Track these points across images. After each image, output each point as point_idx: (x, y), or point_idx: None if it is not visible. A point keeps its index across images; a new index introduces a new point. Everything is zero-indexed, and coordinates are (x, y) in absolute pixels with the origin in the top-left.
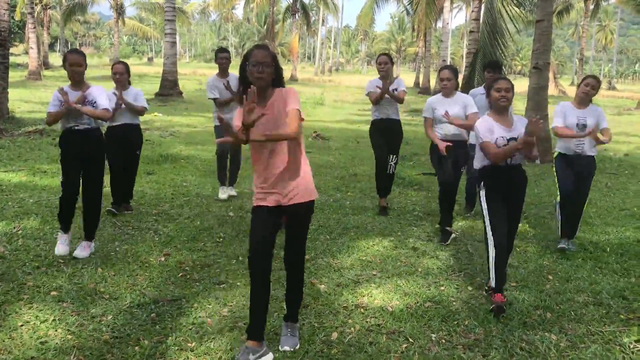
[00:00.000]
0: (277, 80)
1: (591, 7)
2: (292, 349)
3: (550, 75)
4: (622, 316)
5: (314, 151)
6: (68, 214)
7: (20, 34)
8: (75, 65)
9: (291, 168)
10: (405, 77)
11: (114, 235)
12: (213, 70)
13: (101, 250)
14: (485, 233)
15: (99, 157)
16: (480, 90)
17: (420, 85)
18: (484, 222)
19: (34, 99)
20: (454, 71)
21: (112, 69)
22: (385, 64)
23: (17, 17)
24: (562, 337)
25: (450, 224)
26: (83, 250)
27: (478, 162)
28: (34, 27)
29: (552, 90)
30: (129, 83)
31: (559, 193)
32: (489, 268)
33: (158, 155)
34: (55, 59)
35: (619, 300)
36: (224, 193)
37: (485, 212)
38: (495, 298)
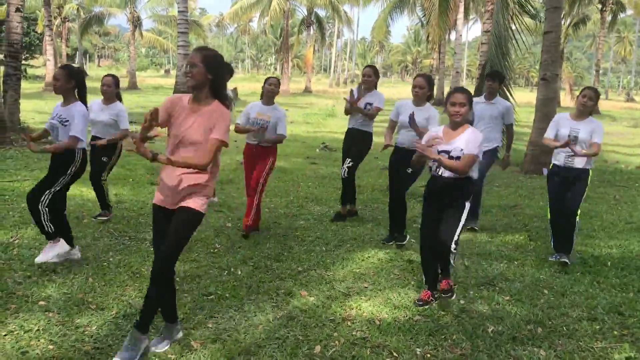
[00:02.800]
0: (214, 89)
1: (608, 18)
2: (159, 351)
3: (567, 87)
4: (615, 332)
5: (320, 162)
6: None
7: (40, 46)
8: (54, 79)
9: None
10: None
11: (110, 245)
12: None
13: (94, 261)
14: None
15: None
16: (481, 99)
17: (435, 97)
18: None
19: (48, 110)
20: (429, 81)
21: (101, 80)
22: (369, 76)
23: (40, 29)
24: (550, 353)
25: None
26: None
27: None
28: (52, 40)
29: (568, 102)
30: (118, 97)
31: (549, 211)
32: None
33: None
34: None
35: (614, 316)
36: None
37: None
38: (424, 295)
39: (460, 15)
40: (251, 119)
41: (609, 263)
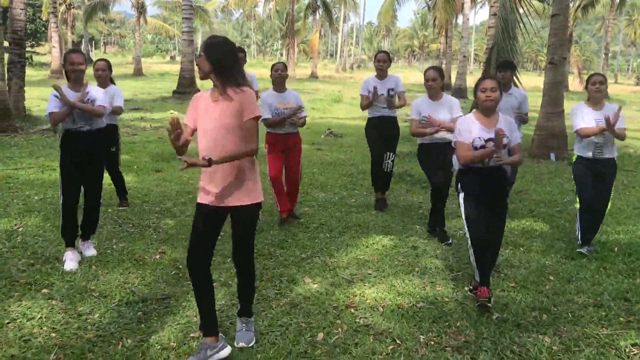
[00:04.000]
0: (220, 75)
1: (617, 0)
2: (247, 345)
3: (575, 71)
4: (621, 319)
5: (325, 148)
6: (72, 223)
7: (46, 34)
8: (76, 64)
9: (234, 171)
10: None
11: (113, 232)
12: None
13: (98, 248)
14: (465, 232)
15: (99, 159)
16: None
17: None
18: (464, 222)
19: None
20: (440, 71)
21: (94, 65)
22: (384, 62)
23: (45, 16)
24: (555, 340)
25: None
26: (89, 250)
27: (456, 162)
28: (57, 27)
29: (577, 86)
30: (112, 81)
31: (578, 201)
32: (474, 269)
33: (168, 153)
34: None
35: (620, 302)
36: None
37: (463, 213)
38: (481, 292)
39: None
40: (275, 111)
41: (616, 249)
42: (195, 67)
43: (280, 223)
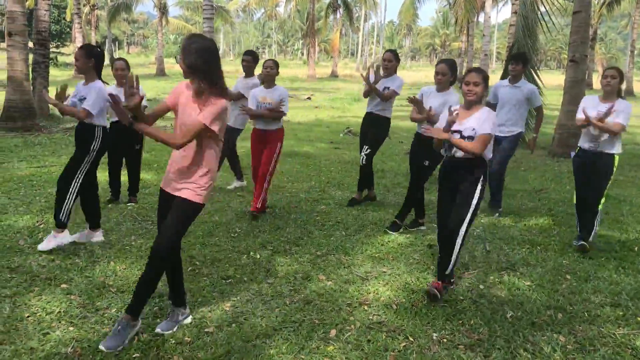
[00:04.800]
0: (204, 78)
1: None
2: (163, 331)
3: (600, 69)
4: (639, 318)
5: (343, 147)
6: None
7: (70, 34)
8: (75, 60)
9: (186, 162)
10: None
11: (133, 229)
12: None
13: (117, 244)
14: None
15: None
16: (504, 82)
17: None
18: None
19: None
20: (451, 66)
21: (112, 65)
22: (389, 61)
23: (68, 18)
24: (570, 339)
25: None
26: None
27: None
28: (80, 27)
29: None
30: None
31: (575, 194)
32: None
33: None
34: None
35: (638, 302)
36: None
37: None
38: (432, 284)
39: None
40: (257, 104)
41: (635, 248)
42: (222, 67)
43: (252, 217)
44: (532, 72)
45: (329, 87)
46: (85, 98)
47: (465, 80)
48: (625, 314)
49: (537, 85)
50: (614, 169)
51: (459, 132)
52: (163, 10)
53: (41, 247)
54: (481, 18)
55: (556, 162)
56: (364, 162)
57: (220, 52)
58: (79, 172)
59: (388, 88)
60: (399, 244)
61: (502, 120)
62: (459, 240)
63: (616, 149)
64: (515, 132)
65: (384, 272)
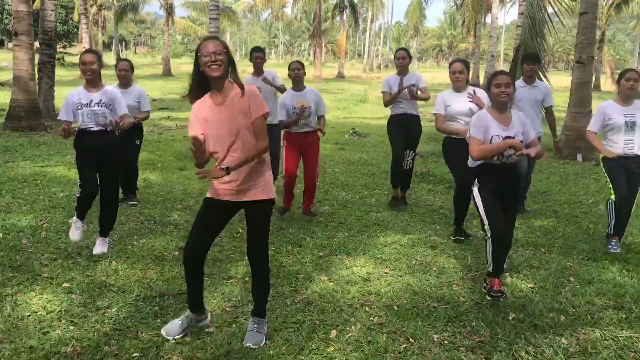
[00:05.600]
0: (233, 74)
1: None
2: (255, 346)
3: (608, 70)
4: None
5: (348, 148)
6: (86, 209)
7: (77, 35)
8: (87, 64)
9: (256, 165)
10: None
11: (135, 229)
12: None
13: (119, 244)
14: (482, 227)
15: (113, 156)
16: (520, 83)
17: (471, 82)
18: (480, 217)
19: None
20: (466, 65)
21: (116, 66)
22: (403, 58)
23: (75, 18)
24: (572, 342)
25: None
26: (102, 246)
27: (470, 159)
28: (87, 28)
29: (609, 86)
30: (132, 81)
31: (613, 192)
32: (487, 260)
33: None
34: (109, 58)
35: None
36: None
37: (481, 209)
38: (493, 283)
39: None
40: (292, 110)
41: None
42: None
43: (281, 212)
44: (540, 73)
45: (335, 88)
46: (110, 104)
47: (494, 83)
48: (628, 317)
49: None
50: None
51: (511, 137)
52: (169, 10)
53: (97, 250)
54: (488, 19)
55: (562, 163)
56: (410, 167)
57: None
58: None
59: (413, 85)
60: (401, 245)
61: None
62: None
63: None
64: (538, 132)
65: (386, 273)
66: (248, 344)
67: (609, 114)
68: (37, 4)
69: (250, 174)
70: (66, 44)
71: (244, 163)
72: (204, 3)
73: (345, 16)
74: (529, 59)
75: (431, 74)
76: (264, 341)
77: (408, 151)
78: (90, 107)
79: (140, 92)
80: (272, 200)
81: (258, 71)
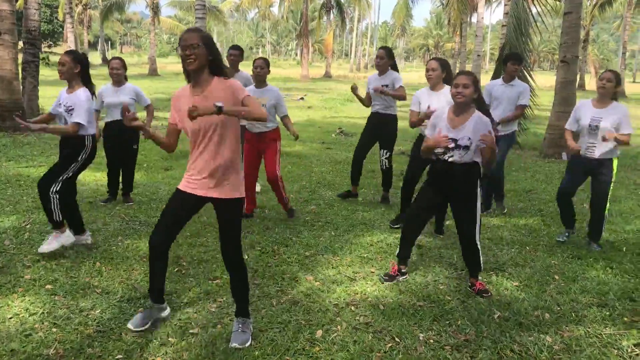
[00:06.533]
0: (215, 66)
1: None
2: (241, 346)
3: (592, 70)
4: (625, 318)
5: (335, 147)
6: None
7: (62, 34)
8: (59, 65)
9: (222, 163)
10: None
11: (120, 230)
12: (247, 68)
13: (103, 245)
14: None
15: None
16: (499, 81)
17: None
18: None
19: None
20: (442, 63)
21: (109, 64)
22: (381, 58)
23: (61, 17)
24: (557, 339)
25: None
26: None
27: None
28: (72, 27)
29: (594, 85)
30: (126, 79)
31: (559, 188)
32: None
33: (178, 150)
34: (95, 57)
35: (625, 302)
36: None
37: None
38: (392, 267)
39: None
40: None
41: (624, 249)
42: None
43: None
44: (525, 72)
45: (322, 87)
46: (72, 108)
47: (454, 83)
48: (612, 314)
49: (530, 86)
50: (614, 172)
51: (455, 140)
52: (155, 10)
53: (42, 249)
54: (474, 19)
55: (547, 162)
56: (387, 166)
57: None
58: (60, 178)
59: (387, 85)
60: (387, 244)
61: (496, 119)
62: (478, 244)
63: (614, 153)
64: (509, 132)
65: (372, 272)
66: (234, 344)
67: (579, 113)
68: (20, 2)
69: (222, 170)
70: (51, 43)
71: (238, 113)
72: (190, 2)
73: (332, 16)
74: (515, 59)
75: (417, 73)
76: (249, 341)
77: (383, 151)
78: (57, 107)
79: (135, 88)
80: (241, 200)
81: (235, 68)
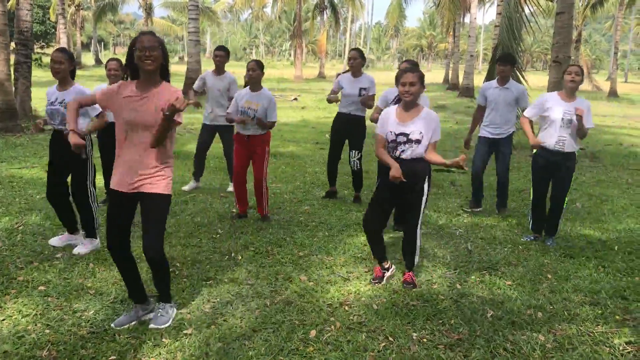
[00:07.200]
0: (164, 71)
1: None
2: (159, 326)
3: (584, 70)
4: (617, 317)
5: (327, 149)
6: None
7: (55, 35)
8: (55, 63)
9: (147, 159)
10: (436, 74)
11: None
12: (242, 69)
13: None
14: None
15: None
16: (493, 84)
17: (450, 82)
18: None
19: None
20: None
21: (106, 65)
22: (354, 59)
23: (52, 18)
24: (549, 338)
25: None
26: (83, 247)
27: None
28: (65, 28)
29: (586, 85)
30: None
31: (532, 193)
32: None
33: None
34: (88, 58)
35: (617, 300)
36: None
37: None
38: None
39: None
40: (240, 108)
41: (616, 247)
42: (208, 68)
43: (232, 217)
44: (518, 72)
45: (316, 88)
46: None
47: (401, 81)
48: (604, 312)
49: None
50: (575, 166)
51: (405, 134)
52: (149, 11)
53: (77, 250)
54: (467, 19)
55: None
56: (358, 167)
57: (207, 53)
58: (88, 183)
59: (365, 89)
60: None
61: (496, 122)
62: (418, 237)
63: (578, 146)
64: (509, 133)
65: (366, 272)
66: (152, 325)
67: (549, 104)
68: (12, 3)
69: (142, 167)
70: (44, 44)
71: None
72: (183, 3)
73: (325, 16)
74: (501, 60)
75: None
76: (169, 322)
77: (354, 152)
78: (52, 106)
79: None
80: (166, 196)
81: (219, 69)
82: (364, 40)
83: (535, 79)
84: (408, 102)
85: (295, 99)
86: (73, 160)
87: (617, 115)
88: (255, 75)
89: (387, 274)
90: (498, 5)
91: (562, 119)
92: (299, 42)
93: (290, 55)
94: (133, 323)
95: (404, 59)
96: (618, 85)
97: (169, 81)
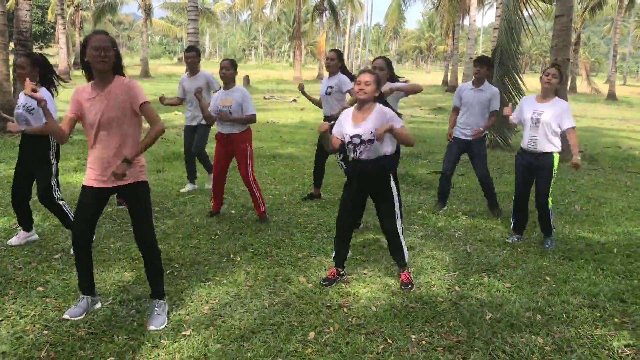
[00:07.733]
0: (117, 66)
1: (626, 1)
2: (157, 328)
3: (583, 73)
4: (616, 319)
5: None
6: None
7: (54, 35)
8: (17, 67)
9: (117, 153)
10: (435, 76)
11: (112, 232)
12: (242, 69)
13: (95, 247)
14: None
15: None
16: (468, 85)
17: (449, 84)
18: None
19: (60, 98)
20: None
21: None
22: (332, 59)
23: (49, 18)
24: (548, 340)
25: None
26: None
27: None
28: (64, 28)
29: (585, 88)
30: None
31: (515, 192)
32: None
33: (170, 152)
34: None
35: (615, 303)
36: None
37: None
38: (331, 272)
39: (474, 0)
40: (216, 108)
41: (615, 250)
42: (207, 69)
43: (209, 215)
44: (516, 75)
45: (314, 89)
46: (34, 108)
47: (356, 80)
48: (602, 315)
49: (520, 89)
50: (555, 168)
51: (359, 136)
52: (148, 11)
53: (12, 241)
54: (466, 21)
55: None
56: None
57: (206, 54)
58: (52, 182)
59: (331, 87)
60: (379, 246)
61: (469, 123)
62: (401, 237)
63: (556, 147)
64: (481, 136)
65: (365, 273)
66: (151, 327)
67: (523, 107)
68: (11, 3)
69: (114, 160)
70: (42, 44)
71: (143, 150)
72: (182, 4)
73: (325, 18)
74: (478, 62)
75: (410, 75)
76: (166, 322)
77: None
78: (17, 109)
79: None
80: (146, 183)
81: (192, 71)
82: (363, 42)
83: (534, 81)
84: (362, 101)
85: (294, 100)
86: (38, 162)
87: (616, 118)
88: (228, 74)
89: (339, 279)
90: (497, 7)
91: (532, 118)
92: (298, 44)
93: (289, 56)
94: (84, 315)
95: (376, 57)
96: (617, 88)
97: (123, 75)
